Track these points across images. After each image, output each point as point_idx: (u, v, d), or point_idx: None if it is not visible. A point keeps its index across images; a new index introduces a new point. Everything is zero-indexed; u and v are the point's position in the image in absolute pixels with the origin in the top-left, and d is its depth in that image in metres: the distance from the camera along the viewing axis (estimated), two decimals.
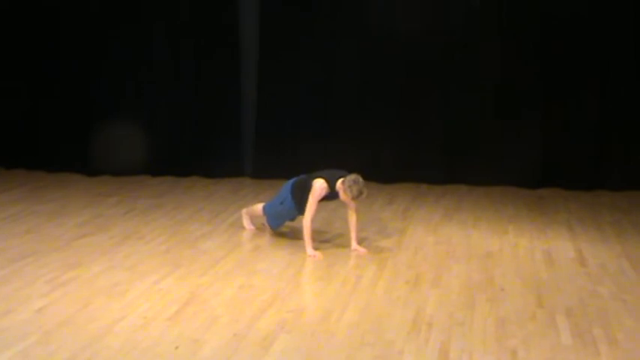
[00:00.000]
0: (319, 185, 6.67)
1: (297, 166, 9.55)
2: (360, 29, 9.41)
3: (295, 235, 7.22)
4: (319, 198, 6.69)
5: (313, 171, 6.95)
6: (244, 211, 7.51)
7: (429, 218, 7.91)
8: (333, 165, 7.19)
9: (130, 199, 8.67)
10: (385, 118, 9.50)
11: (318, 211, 6.83)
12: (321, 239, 7.08)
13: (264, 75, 9.70)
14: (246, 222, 7.46)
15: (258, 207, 7.33)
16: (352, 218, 6.78)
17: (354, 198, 6.57)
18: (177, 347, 4.70)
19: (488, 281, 5.95)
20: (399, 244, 6.98)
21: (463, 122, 9.38)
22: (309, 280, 6.06)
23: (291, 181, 7.03)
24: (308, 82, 9.58)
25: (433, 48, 9.29)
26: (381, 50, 9.37)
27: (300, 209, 6.81)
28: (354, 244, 6.75)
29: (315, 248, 6.65)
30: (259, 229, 7.39)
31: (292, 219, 7.09)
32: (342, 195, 6.64)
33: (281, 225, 7.18)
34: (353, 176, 6.61)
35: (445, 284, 5.89)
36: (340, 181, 6.64)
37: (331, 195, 6.72)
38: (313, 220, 6.70)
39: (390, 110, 9.49)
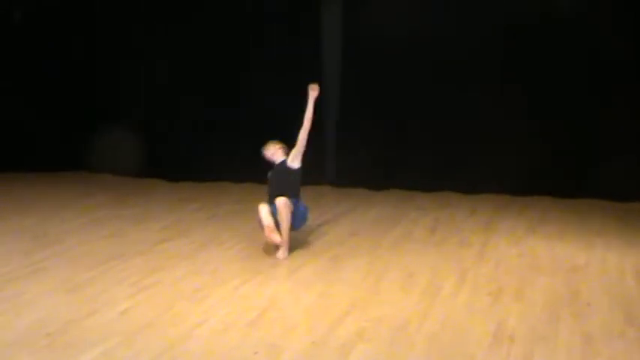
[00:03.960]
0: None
1: (377, 174, 9.57)
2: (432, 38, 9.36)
3: (374, 245, 7.19)
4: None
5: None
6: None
7: (512, 230, 7.75)
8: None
9: (212, 205, 8.77)
10: (465, 130, 9.37)
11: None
12: (396, 245, 7.05)
13: (347, 82, 9.70)
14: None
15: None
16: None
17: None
18: (256, 353, 4.70)
19: (574, 296, 5.78)
20: (481, 255, 6.85)
21: (547, 132, 9.16)
22: (388, 289, 5.99)
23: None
24: (387, 93, 9.53)
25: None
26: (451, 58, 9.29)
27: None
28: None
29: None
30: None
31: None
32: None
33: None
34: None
35: (528, 298, 5.74)
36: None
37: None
38: None
39: (472, 122, 9.35)
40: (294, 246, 7.11)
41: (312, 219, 8.15)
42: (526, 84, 9.17)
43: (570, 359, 4.65)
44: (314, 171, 9.84)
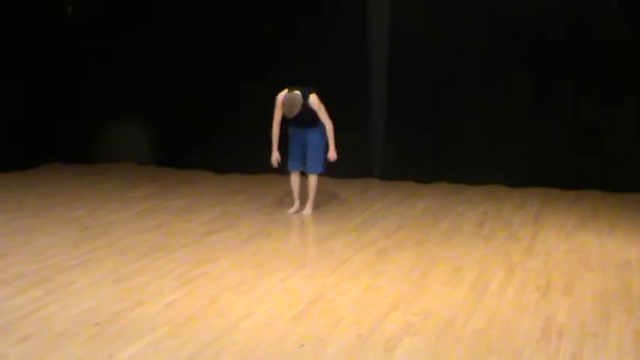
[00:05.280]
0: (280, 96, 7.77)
1: (425, 168, 9.51)
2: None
3: (421, 238, 7.14)
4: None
5: None
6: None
7: (561, 224, 7.63)
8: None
9: (258, 197, 8.79)
10: (514, 123, 9.24)
11: None
12: (444, 239, 6.99)
13: (396, 76, 9.64)
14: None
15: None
16: None
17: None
18: (301, 346, 4.69)
19: (626, 292, 5.67)
20: (530, 250, 6.76)
21: (596, 124, 9.00)
22: (435, 283, 5.94)
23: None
24: (435, 86, 9.46)
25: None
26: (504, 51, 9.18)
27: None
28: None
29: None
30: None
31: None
32: None
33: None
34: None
35: (578, 293, 5.65)
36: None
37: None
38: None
39: (519, 114, 9.23)
40: (341, 238, 7.11)
41: (359, 212, 8.15)
42: (577, 81, 9.01)
43: (621, 357, 4.56)
44: (361, 164, 9.83)
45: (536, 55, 9.10)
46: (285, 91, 7.75)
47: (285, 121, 7.89)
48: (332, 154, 7.85)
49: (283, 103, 7.65)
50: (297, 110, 7.63)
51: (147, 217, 7.90)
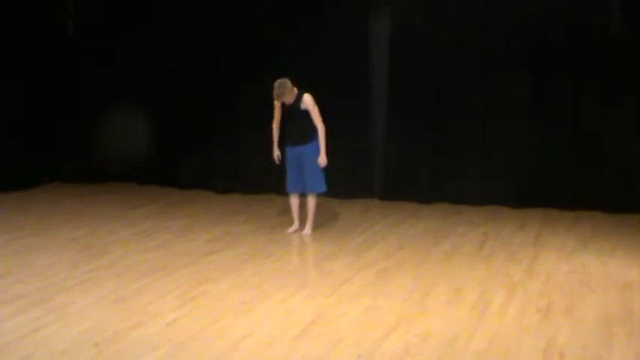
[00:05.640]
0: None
1: (424, 188, 9.50)
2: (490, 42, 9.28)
3: (422, 258, 7.12)
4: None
5: None
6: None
7: (561, 245, 7.61)
8: None
9: (258, 218, 8.78)
10: (513, 141, 9.24)
11: None
12: (444, 259, 6.98)
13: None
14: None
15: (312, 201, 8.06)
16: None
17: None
18: None
19: (627, 314, 5.64)
20: (530, 270, 6.74)
21: (597, 144, 9.00)
22: (435, 304, 5.92)
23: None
24: (434, 104, 9.48)
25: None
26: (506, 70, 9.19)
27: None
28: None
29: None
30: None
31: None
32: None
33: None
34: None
35: (579, 314, 5.63)
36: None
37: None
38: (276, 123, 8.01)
39: (518, 134, 9.23)
40: (341, 258, 7.10)
41: (360, 232, 8.15)
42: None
43: None
44: (361, 184, 9.82)
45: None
46: None
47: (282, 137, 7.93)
48: (322, 159, 7.83)
49: (274, 86, 7.64)
50: (287, 95, 7.64)
51: (147, 237, 7.90)
